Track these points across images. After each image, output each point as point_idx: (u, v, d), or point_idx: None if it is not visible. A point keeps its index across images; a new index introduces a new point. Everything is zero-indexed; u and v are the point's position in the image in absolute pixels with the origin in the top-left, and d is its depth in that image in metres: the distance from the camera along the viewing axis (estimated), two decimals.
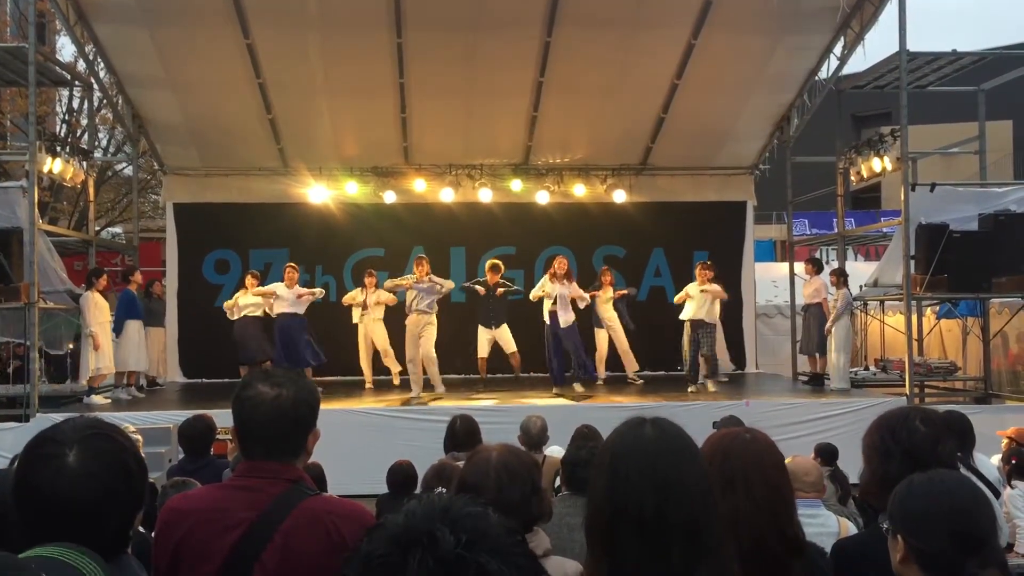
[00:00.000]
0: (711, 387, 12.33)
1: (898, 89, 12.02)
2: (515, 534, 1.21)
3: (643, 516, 1.75)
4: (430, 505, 1.20)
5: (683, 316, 12.47)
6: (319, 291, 13.05)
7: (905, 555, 2.07)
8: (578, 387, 12.05)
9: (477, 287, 12.76)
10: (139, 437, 6.13)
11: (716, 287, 12.39)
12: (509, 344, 12.75)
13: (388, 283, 12.45)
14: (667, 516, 1.75)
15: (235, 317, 13.00)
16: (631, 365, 13.62)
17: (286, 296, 12.54)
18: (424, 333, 11.82)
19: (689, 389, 12.28)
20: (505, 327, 12.75)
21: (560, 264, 12.15)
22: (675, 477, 1.79)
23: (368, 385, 13.30)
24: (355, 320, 13.39)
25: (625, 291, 13.67)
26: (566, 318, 11.93)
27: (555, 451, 6.27)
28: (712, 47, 12.61)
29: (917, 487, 2.11)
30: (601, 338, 13.54)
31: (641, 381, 13.46)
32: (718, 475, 2.05)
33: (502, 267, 12.85)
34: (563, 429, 6.32)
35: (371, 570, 1.15)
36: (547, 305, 12.05)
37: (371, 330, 13.26)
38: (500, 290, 12.64)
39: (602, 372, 13.60)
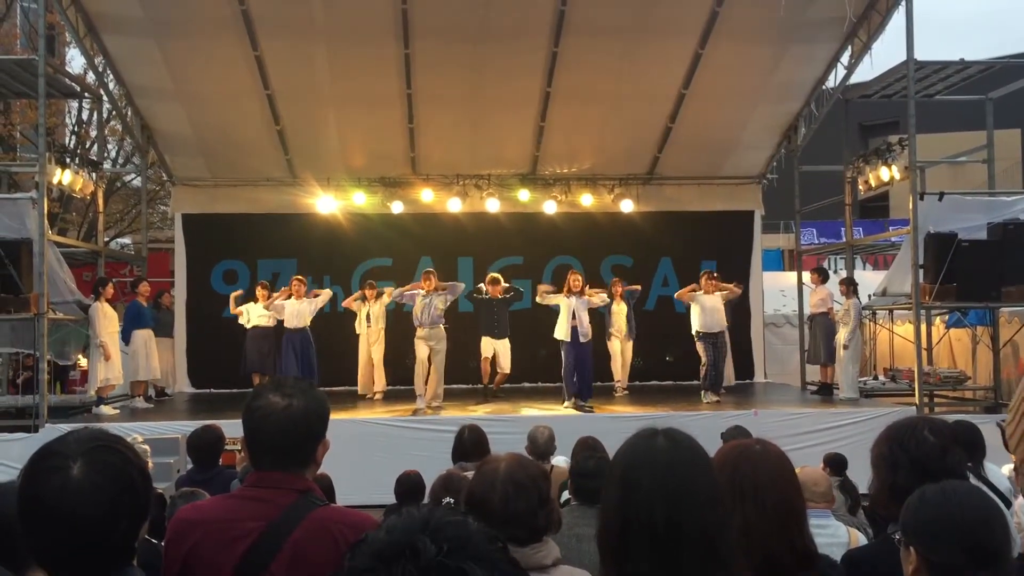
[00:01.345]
0: (710, 398, 12.22)
1: (906, 98, 12.02)
2: (496, 540, 1.23)
3: (655, 527, 1.75)
4: (410, 518, 1.23)
5: (695, 328, 12.43)
6: (327, 293, 13.13)
7: (917, 567, 2.06)
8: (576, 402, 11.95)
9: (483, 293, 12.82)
10: (147, 447, 6.15)
11: (728, 287, 12.50)
12: (506, 362, 12.82)
13: (394, 292, 12.43)
14: (680, 527, 1.74)
15: (248, 324, 13.12)
16: (623, 379, 13.60)
17: (294, 310, 12.59)
18: (431, 346, 11.86)
19: (711, 399, 12.16)
20: (507, 341, 12.81)
21: (575, 280, 12.12)
22: (688, 488, 1.78)
23: (377, 396, 13.23)
24: (358, 331, 13.37)
25: (635, 287, 13.56)
26: (585, 331, 11.92)
27: (560, 462, 6.25)
28: (719, 57, 12.62)
29: (930, 498, 2.10)
30: (615, 347, 13.47)
31: (626, 392, 13.43)
32: (728, 487, 2.04)
33: (501, 279, 12.90)
34: (570, 440, 6.30)
35: None
36: (564, 321, 11.96)
37: (372, 343, 13.26)
38: (501, 287, 12.75)
39: (624, 381, 13.53)
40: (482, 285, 12.99)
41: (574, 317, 11.86)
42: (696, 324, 12.41)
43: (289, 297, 12.82)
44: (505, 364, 12.86)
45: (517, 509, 2.51)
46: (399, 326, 13.01)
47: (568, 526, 3.61)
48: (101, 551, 1.82)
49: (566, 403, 11.90)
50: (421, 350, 11.88)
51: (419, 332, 11.89)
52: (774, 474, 2.19)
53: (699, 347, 12.39)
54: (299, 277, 13.09)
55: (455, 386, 13.27)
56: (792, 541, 2.13)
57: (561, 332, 12.01)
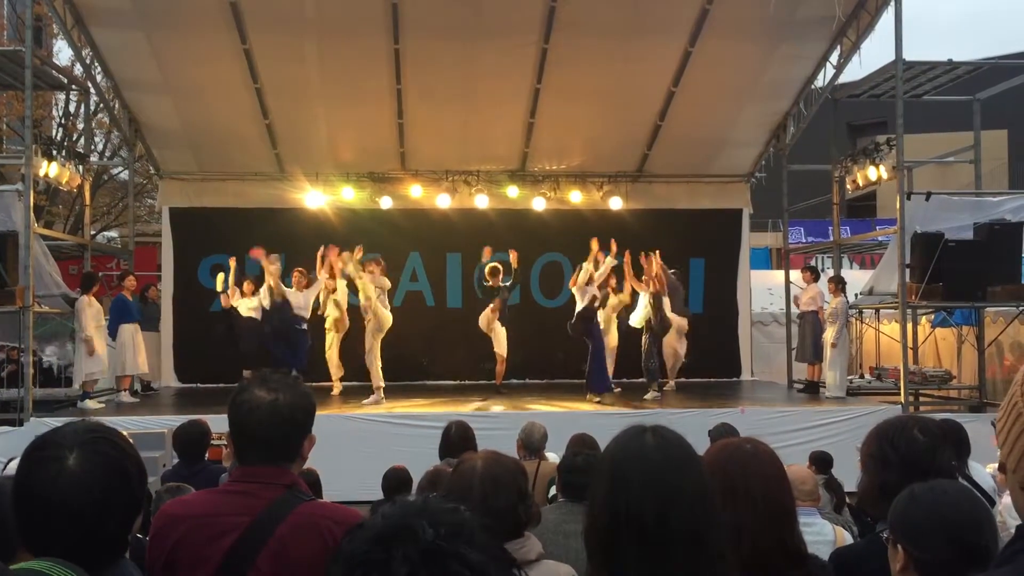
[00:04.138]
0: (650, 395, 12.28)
1: (894, 98, 12.07)
2: (487, 529, 1.26)
3: (644, 524, 1.75)
4: (406, 505, 1.25)
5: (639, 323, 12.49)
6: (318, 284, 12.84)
7: (905, 564, 2.07)
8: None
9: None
10: (131, 442, 6.11)
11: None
12: (504, 349, 12.78)
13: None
14: (669, 525, 1.74)
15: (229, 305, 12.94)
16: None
17: (295, 300, 12.54)
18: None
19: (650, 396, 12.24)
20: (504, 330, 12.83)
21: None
22: (677, 485, 1.78)
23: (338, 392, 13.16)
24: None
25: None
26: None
27: (552, 458, 6.26)
28: (709, 55, 12.63)
29: (919, 497, 2.11)
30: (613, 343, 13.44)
31: (619, 390, 13.44)
32: (719, 486, 2.04)
33: (501, 269, 12.88)
34: (559, 436, 6.32)
35: (355, 568, 1.18)
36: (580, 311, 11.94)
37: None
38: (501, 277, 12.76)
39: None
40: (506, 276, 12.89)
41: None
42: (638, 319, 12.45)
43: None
44: (504, 351, 12.82)
45: (497, 505, 2.52)
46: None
47: (555, 523, 3.61)
48: (94, 542, 1.82)
49: (598, 397, 11.86)
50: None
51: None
52: (765, 473, 2.19)
53: (650, 339, 12.41)
54: (300, 269, 13.03)
55: (446, 382, 13.27)
56: (782, 540, 2.13)
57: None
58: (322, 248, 12.54)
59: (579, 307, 11.93)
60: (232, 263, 13.01)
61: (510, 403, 11.97)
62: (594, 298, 12.03)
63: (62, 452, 1.84)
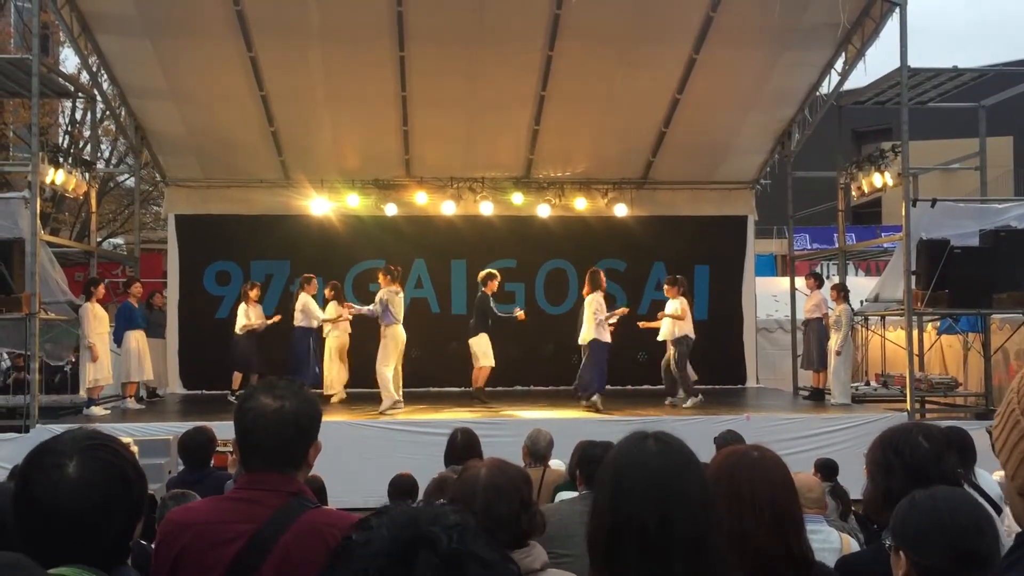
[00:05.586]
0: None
1: (899, 105, 12.06)
2: (486, 530, 1.22)
3: (646, 530, 1.75)
4: (409, 512, 1.20)
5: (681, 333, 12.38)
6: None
7: (907, 571, 2.07)
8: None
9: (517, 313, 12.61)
10: (134, 448, 6.13)
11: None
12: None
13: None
14: (670, 530, 1.75)
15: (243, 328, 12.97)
16: None
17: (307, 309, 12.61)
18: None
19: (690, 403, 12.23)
20: None
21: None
22: (679, 491, 1.79)
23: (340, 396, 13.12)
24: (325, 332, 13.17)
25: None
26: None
27: (556, 465, 6.28)
28: (714, 62, 12.65)
29: (920, 503, 2.11)
30: None
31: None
32: (726, 493, 2.04)
33: (497, 274, 12.85)
34: (565, 443, 6.32)
35: None
36: (595, 321, 11.79)
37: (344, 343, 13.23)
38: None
39: None
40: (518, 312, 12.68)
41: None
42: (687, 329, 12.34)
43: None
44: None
45: (499, 513, 2.52)
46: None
47: (580, 513, 3.61)
48: (95, 549, 1.83)
49: (591, 401, 11.78)
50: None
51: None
52: (771, 480, 2.19)
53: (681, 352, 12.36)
54: (309, 275, 13.09)
55: (448, 389, 13.25)
56: (789, 547, 2.14)
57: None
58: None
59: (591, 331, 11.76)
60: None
61: (511, 409, 11.94)
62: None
63: (62, 459, 1.85)
